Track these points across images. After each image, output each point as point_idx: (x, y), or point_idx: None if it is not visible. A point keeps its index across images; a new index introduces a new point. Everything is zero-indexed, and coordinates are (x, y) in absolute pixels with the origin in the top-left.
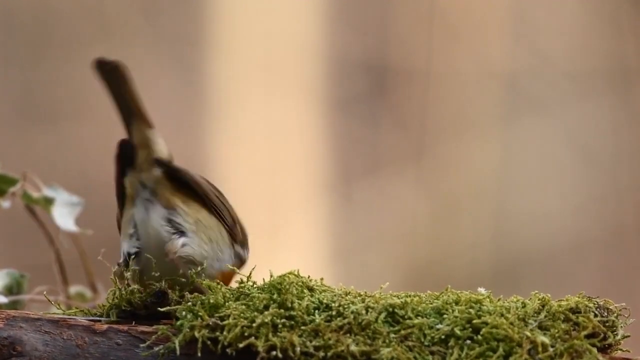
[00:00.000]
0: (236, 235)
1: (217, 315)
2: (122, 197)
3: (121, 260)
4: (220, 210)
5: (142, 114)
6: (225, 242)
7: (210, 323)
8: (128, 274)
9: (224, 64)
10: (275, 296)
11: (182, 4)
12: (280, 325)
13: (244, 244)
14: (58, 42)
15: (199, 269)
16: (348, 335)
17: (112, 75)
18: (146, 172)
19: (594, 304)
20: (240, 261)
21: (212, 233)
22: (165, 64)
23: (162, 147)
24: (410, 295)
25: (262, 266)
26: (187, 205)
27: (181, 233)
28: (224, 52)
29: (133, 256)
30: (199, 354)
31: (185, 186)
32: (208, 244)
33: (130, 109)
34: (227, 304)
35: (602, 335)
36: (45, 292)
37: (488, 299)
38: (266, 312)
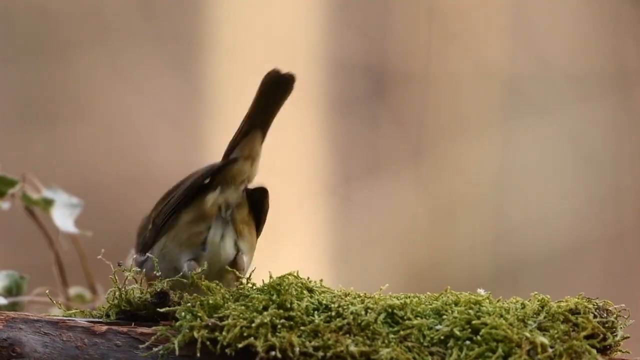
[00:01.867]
0: None
1: (216, 315)
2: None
3: (189, 262)
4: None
5: (268, 129)
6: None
7: (210, 324)
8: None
9: (223, 65)
10: (274, 297)
11: (181, 4)
12: (279, 326)
13: None
14: (57, 43)
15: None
16: (347, 335)
17: (282, 85)
18: (236, 188)
19: (594, 305)
20: None
21: (253, 253)
22: (164, 65)
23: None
24: (409, 296)
25: (261, 268)
26: (249, 232)
27: (241, 253)
28: (224, 53)
29: (192, 261)
30: (198, 355)
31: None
32: (250, 262)
33: (264, 119)
34: (226, 304)
35: (601, 336)
36: (47, 293)
37: (487, 300)
38: (265, 313)
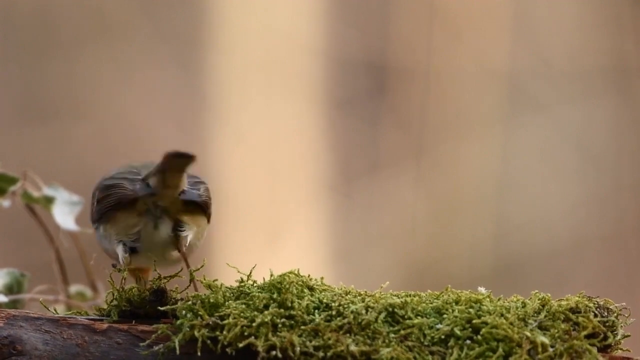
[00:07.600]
0: None
1: (216, 314)
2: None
3: (120, 250)
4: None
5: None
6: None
7: (210, 322)
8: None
9: (224, 63)
10: (275, 295)
11: (182, 3)
12: (280, 325)
13: None
14: (58, 40)
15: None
16: (348, 335)
17: (183, 163)
18: (165, 199)
19: (594, 303)
20: None
21: (202, 232)
22: (165, 63)
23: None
24: (410, 295)
25: (262, 265)
26: (192, 219)
27: (181, 233)
28: (224, 51)
29: (127, 254)
30: (199, 354)
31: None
32: (199, 238)
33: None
34: (227, 303)
35: (602, 335)
36: (44, 296)
37: (488, 299)
38: (266, 312)
